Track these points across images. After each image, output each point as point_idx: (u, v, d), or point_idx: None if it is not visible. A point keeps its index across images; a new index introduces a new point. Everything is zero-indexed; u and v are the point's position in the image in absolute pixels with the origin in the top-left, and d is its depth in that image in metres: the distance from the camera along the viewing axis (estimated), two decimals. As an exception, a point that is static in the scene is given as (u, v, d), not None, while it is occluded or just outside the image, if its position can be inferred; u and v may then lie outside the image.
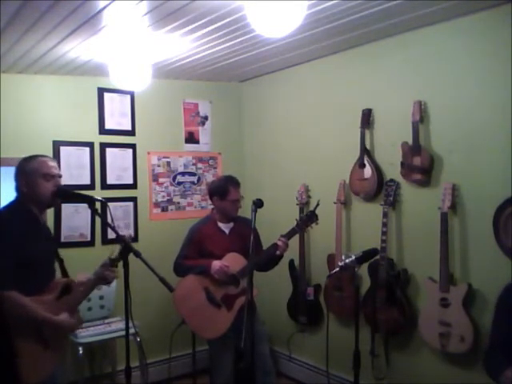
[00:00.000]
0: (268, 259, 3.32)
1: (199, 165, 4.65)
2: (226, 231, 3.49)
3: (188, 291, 3.32)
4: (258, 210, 3.16)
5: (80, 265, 3.94)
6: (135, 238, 4.23)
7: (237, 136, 4.85)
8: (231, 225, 3.50)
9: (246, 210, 3.95)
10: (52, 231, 3.83)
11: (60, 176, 2.59)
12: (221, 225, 3.49)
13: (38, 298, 2.37)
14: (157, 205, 4.42)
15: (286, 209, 4.20)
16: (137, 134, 4.31)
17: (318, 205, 3.40)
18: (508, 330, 2.25)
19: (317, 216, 3.38)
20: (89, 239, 4.06)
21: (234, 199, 3.41)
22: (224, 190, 3.41)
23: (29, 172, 2.50)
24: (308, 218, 3.39)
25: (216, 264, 3.26)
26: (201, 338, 3.47)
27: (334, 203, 3.69)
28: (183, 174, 4.56)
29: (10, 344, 2.19)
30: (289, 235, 3.35)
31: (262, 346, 3.32)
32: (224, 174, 3.67)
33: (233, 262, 3.29)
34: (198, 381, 3.76)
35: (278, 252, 3.27)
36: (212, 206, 3.62)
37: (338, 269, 2.82)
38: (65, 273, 2.62)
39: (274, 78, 4.44)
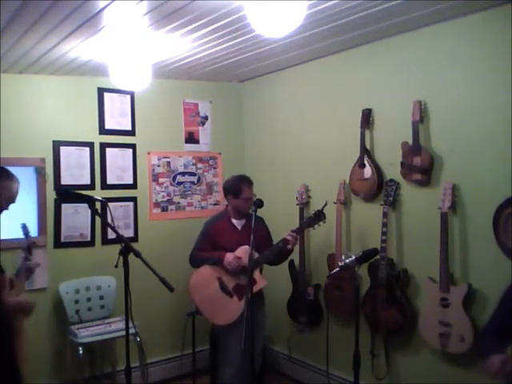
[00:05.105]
0: (278, 253, 3.45)
1: (199, 165, 4.65)
2: (239, 227, 3.62)
3: (202, 280, 3.50)
4: (258, 209, 3.27)
5: (80, 264, 4.00)
6: (135, 238, 4.24)
7: (237, 136, 4.85)
8: (244, 221, 3.62)
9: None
10: (52, 231, 3.88)
11: None
12: (234, 221, 3.63)
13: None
14: (157, 205, 4.41)
15: (286, 209, 4.20)
16: (137, 134, 4.31)
17: (325, 204, 3.47)
18: (509, 317, 2.24)
19: (324, 215, 3.46)
20: (89, 239, 4.05)
21: (246, 197, 3.55)
22: (238, 188, 3.55)
23: None
24: (316, 216, 3.48)
25: (229, 256, 3.42)
26: (214, 323, 3.56)
27: (334, 203, 3.69)
28: (183, 173, 4.56)
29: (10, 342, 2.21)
30: (298, 231, 3.48)
31: (258, 334, 3.40)
32: (238, 174, 3.75)
33: (245, 254, 3.38)
34: (197, 381, 3.76)
35: (288, 246, 3.39)
36: (226, 203, 3.74)
37: (338, 269, 2.83)
38: (1, 269, 2.64)
39: (274, 78, 4.44)
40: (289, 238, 3.38)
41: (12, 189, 2.60)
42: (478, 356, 2.30)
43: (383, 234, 3.26)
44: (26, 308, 2.59)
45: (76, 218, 3.99)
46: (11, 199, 2.60)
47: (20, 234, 3.07)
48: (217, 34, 3.12)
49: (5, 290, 2.55)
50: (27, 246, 2.83)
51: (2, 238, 3.17)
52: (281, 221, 4.00)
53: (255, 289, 3.20)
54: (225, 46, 3.39)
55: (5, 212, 2.68)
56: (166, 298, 3.79)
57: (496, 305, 2.35)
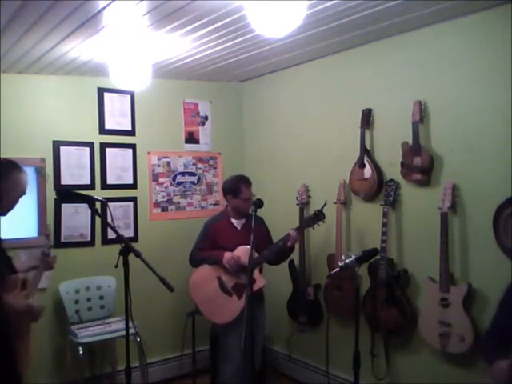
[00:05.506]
0: (278, 252, 3.46)
1: (199, 165, 4.65)
2: (238, 227, 3.64)
3: (202, 280, 3.54)
4: (258, 209, 3.27)
5: (80, 264, 4.00)
6: (135, 238, 4.24)
7: (237, 136, 4.85)
8: (243, 221, 3.63)
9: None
10: (51, 231, 3.88)
11: None
12: (234, 221, 3.65)
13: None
14: (157, 205, 4.41)
15: (286, 209, 4.20)
16: (137, 134, 4.31)
17: (325, 204, 3.47)
18: (511, 319, 2.24)
19: (324, 215, 3.46)
20: (89, 239, 4.05)
21: (245, 198, 3.57)
22: (237, 188, 3.57)
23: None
24: (316, 216, 3.48)
25: (227, 255, 3.45)
26: (214, 322, 3.58)
27: (334, 203, 3.69)
28: (183, 173, 4.56)
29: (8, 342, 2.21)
30: (297, 231, 3.48)
31: (258, 333, 3.42)
32: (237, 174, 3.77)
33: (244, 254, 3.39)
34: (197, 381, 3.76)
35: (288, 243, 3.41)
36: (226, 204, 3.76)
37: (338, 269, 2.83)
38: (13, 270, 2.64)
39: (274, 78, 4.44)
40: (291, 233, 3.39)
41: (23, 180, 2.60)
42: (484, 361, 2.29)
43: (383, 234, 3.26)
44: (34, 312, 2.56)
45: (76, 217, 3.99)
46: (23, 191, 2.60)
47: (20, 234, 3.06)
48: (217, 34, 3.12)
49: (15, 290, 2.54)
50: (49, 247, 2.83)
51: (2, 237, 3.17)
52: (281, 221, 4.00)
53: (254, 288, 3.21)
54: (225, 46, 3.39)
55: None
56: (166, 298, 3.79)
57: (496, 307, 2.35)
